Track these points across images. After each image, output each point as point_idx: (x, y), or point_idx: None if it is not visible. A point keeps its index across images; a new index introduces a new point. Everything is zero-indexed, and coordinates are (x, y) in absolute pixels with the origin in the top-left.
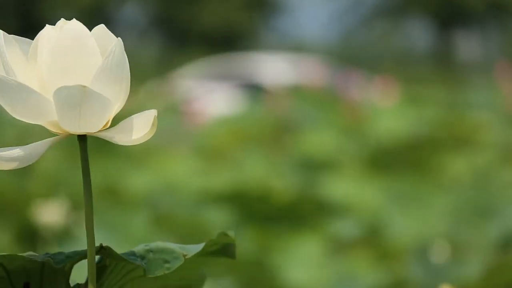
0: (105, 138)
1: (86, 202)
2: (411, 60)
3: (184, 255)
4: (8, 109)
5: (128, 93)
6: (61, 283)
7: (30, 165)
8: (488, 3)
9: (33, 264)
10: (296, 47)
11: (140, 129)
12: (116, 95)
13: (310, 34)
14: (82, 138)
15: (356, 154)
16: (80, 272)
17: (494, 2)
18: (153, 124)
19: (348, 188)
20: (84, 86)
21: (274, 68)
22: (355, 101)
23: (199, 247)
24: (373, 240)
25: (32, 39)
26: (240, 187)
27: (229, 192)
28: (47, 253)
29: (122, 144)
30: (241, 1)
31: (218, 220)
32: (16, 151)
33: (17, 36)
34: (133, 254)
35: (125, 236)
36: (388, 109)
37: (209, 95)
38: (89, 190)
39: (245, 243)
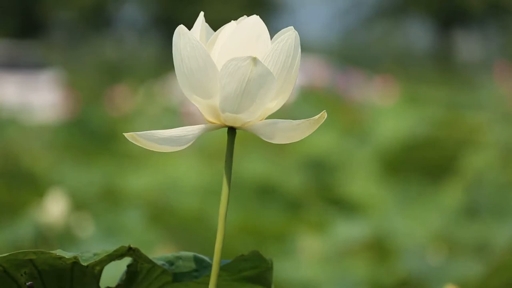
0: (256, 132)
1: (223, 198)
2: (411, 60)
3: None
4: (180, 76)
5: (290, 93)
6: (92, 285)
7: (29, 166)
8: (488, 3)
9: (64, 265)
10: None
11: (300, 129)
12: (279, 85)
13: (310, 34)
14: (232, 132)
15: (357, 153)
16: (109, 275)
17: (494, 2)
18: (318, 121)
19: (349, 187)
20: (255, 58)
21: None
22: (355, 100)
23: (227, 261)
24: (376, 238)
25: (32, 39)
26: (241, 186)
27: (230, 191)
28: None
29: (270, 141)
30: (242, 1)
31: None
32: (170, 133)
33: (208, 26)
34: (162, 259)
35: (125, 236)
36: (388, 109)
37: None
38: (228, 185)
39: (247, 242)
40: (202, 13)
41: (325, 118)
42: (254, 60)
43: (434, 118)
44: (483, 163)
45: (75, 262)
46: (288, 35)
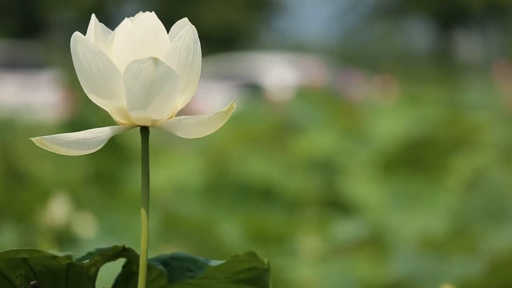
0: (168, 129)
1: (143, 196)
2: (411, 60)
3: (208, 266)
4: (84, 83)
5: (196, 87)
6: (87, 286)
7: (29, 166)
8: (488, 3)
9: (59, 266)
10: (296, 47)
11: (211, 123)
12: (184, 81)
13: (310, 34)
14: (145, 131)
15: (356, 153)
16: (104, 276)
17: (494, 2)
18: (227, 113)
19: (348, 187)
20: (156, 58)
21: (274, 68)
22: (355, 100)
23: (222, 262)
24: (374, 238)
25: (32, 39)
26: (242, 186)
27: (231, 191)
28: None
29: (184, 136)
30: (241, 1)
31: (221, 219)
32: (77, 135)
33: (104, 26)
34: (157, 259)
35: (126, 236)
36: (388, 109)
37: (209, 95)
38: (147, 184)
39: (247, 242)
40: (93, 15)
41: (234, 109)
42: (156, 60)
43: (433, 118)
44: (483, 163)
45: (70, 263)
46: (186, 31)
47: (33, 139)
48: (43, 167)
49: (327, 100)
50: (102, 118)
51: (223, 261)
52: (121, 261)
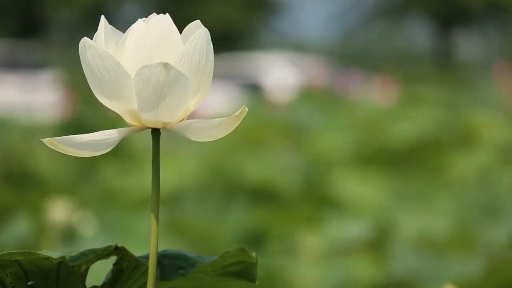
0: (180, 132)
1: (153, 198)
2: (411, 60)
3: (200, 263)
4: (94, 87)
5: (208, 89)
6: (77, 284)
7: (29, 166)
8: (488, 3)
9: (50, 264)
10: (296, 47)
11: (222, 126)
12: (196, 84)
13: (310, 34)
14: (156, 133)
15: (356, 153)
16: (96, 274)
17: (494, 2)
18: (238, 118)
19: (350, 187)
20: (167, 63)
21: (274, 68)
22: (355, 101)
23: (214, 258)
24: (375, 238)
25: (32, 39)
26: (244, 187)
27: (232, 192)
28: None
29: (195, 139)
30: (241, 1)
31: (223, 220)
32: (88, 137)
33: (115, 28)
34: (147, 257)
35: (126, 235)
36: (387, 109)
37: (209, 95)
38: (157, 186)
39: (246, 242)
40: (103, 17)
41: (245, 113)
42: (166, 65)
43: (434, 118)
44: (483, 163)
45: (61, 262)
46: (198, 34)
47: (44, 140)
48: (42, 166)
49: (326, 100)
50: (102, 118)
51: (215, 258)
52: (112, 259)
